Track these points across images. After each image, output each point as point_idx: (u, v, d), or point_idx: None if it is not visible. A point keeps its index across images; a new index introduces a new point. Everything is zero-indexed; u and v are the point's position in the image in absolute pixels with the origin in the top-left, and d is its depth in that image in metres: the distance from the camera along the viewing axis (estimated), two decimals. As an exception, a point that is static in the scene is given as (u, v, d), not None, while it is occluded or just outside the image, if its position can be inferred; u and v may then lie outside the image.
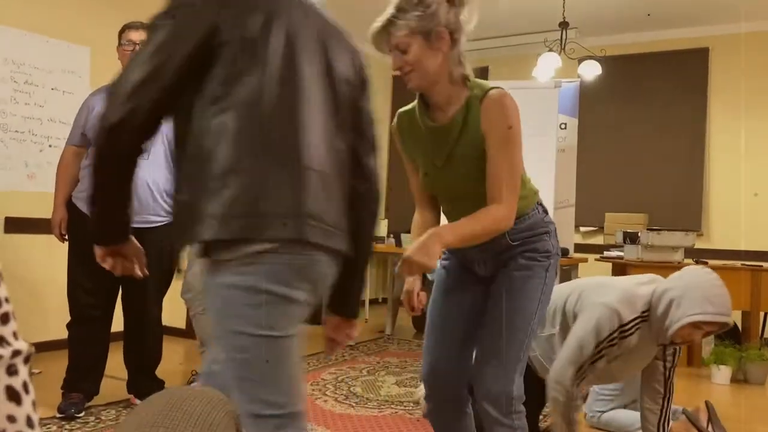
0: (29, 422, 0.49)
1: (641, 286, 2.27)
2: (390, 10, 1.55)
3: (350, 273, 1.39)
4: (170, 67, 1.19)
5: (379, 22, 1.56)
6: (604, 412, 3.04)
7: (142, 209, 2.85)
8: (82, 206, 2.88)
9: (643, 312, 2.19)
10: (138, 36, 2.99)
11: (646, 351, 2.28)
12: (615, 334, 2.16)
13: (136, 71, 1.21)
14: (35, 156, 4.09)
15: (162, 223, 2.99)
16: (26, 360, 0.51)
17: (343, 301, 1.47)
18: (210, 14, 1.21)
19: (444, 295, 1.84)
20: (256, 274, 1.15)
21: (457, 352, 1.79)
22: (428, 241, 1.47)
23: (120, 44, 3.05)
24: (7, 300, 0.51)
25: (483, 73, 7.08)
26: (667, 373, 2.33)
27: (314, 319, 1.36)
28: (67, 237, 2.98)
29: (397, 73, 1.62)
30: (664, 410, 2.35)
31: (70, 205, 2.95)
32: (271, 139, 1.20)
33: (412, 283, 1.75)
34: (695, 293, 2.14)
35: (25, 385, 0.50)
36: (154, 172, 2.91)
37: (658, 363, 2.33)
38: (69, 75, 4.25)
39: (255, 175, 1.18)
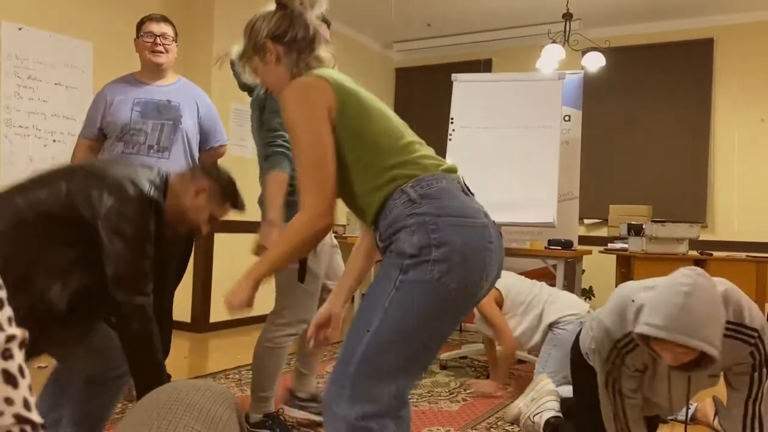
0: (26, 404, 0.50)
1: (641, 291, 1.90)
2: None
3: None
4: None
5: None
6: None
7: None
8: None
9: None
10: (158, 28, 2.99)
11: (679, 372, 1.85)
12: (613, 354, 1.90)
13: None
14: (40, 151, 4.09)
15: None
16: (21, 345, 0.51)
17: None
18: None
19: None
20: None
21: None
22: (240, 281, 1.50)
23: (138, 36, 3.03)
24: (1, 287, 0.52)
25: (487, 65, 7.06)
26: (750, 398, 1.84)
27: None
28: None
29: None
30: None
31: None
32: None
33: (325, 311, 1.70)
34: (658, 300, 1.73)
35: (20, 369, 0.51)
36: (172, 169, 2.93)
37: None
38: (72, 70, 4.26)
39: None
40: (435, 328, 1.42)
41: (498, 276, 1.51)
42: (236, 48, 1.64)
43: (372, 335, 1.39)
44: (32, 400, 0.51)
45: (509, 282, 3.56)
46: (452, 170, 1.54)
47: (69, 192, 1.76)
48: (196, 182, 2.02)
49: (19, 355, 0.51)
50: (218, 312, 5.10)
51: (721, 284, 1.86)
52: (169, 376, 3.22)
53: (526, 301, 3.48)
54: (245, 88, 2.51)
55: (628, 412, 1.98)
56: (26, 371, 0.51)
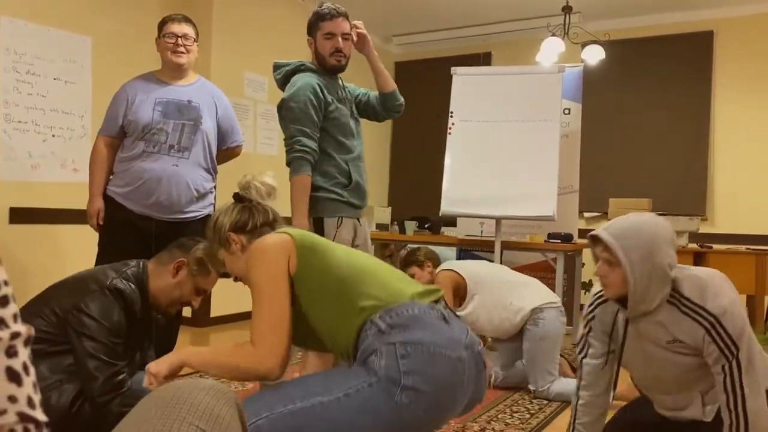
0: (30, 402, 0.50)
1: None
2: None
3: None
4: None
5: None
6: (551, 384, 3.23)
7: (182, 205, 2.94)
8: (120, 199, 2.90)
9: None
10: (180, 29, 3.01)
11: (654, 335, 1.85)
12: (590, 309, 1.99)
13: None
14: (39, 146, 4.09)
15: (197, 218, 3.04)
16: (26, 342, 0.52)
17: None
18: None
19: None
20: None
21: None
22: (169, 355, 1.53)
23: (160, 36, 3.04)
24: (6, 283, 0.52)
25: (486, 58, 7.05)
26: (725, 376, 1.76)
27: None
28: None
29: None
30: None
31: (104, 197, 2.95)
32: None
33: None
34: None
35: (25, 367, 0.51)
36: (192, 171, 2.97)
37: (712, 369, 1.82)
38: (71, 65, 4.25)
39: None
40: None
41: (473, 404, 1.52)
42: (200, 247, 1.75)
43: (321, 405, 1.36)
44: (36, 398, 0.51)
45: (471, 270, 3.50)
46: (431, 295, 1.53)
47: (44, 314, 1.87)
48: (173, 259, 2.07)
49: (23, 353, 0.51)
50: (219, 306, 5.11)
51: (705, 272, 1.83)
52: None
53: (493, 280, 3.44)
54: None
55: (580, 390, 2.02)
56: (31, 369, 0.52)
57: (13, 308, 0.52)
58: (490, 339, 3.72)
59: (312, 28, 2.86)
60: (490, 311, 3.39)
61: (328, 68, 2.83)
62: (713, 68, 6.14)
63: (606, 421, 2.09)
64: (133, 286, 1.99)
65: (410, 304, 1.46)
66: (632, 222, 1.79)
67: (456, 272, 3.46)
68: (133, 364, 2.05)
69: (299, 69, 2.87)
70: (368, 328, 1.44)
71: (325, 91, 2.77)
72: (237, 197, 1.70)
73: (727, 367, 1.74)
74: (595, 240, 1.83)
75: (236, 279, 1.68)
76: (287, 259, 1.52)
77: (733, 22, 6.06)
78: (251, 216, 1.66)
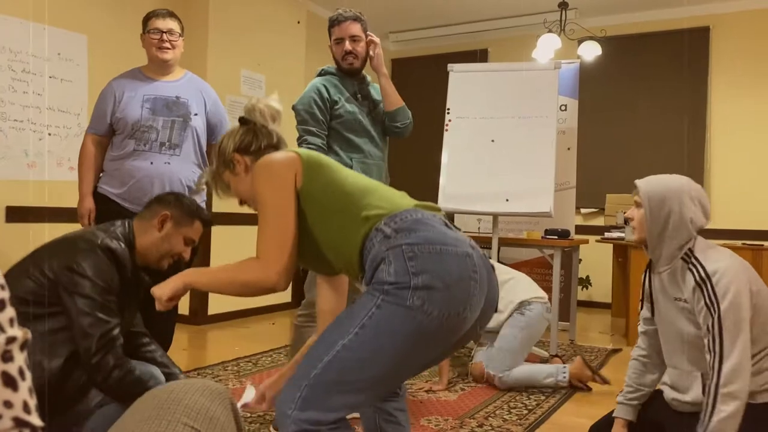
0: (26, 407, 0.50)
1: None
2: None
3: None
4: None
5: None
6: (510, 368, 3.31)
7: None
8: (115, 198, 2.89)
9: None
10: (164, 24, 2.97)
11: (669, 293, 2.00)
12: (646, 274, 2.17)
13: None
14: (35, 145, 4.08)
15: None
16: (22, 347, 0.51)
17: None
18: None
19: None
20: None
21: None
22: (173, 277, 1.55)
23: (145, 32, 3.01)
24: (3, 287, 0.52)
25: (483, 55, 7.05)
26: (708, 332, 1.85)
27: None
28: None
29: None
30: (709, 388, 1.85)
31: (95, 196, 2.93)
32: None
33: None
34: None
35: (21, 371, 0.50)
36: (184, 167, 2.95)
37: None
38: (67, 63, 4.24)
39: None
40: (410, 354, 1.39)
41: (491, 308, 1.50)
42: (209, 170, 1.75)
43: (342, 348, 1.37)
44: (32, 403, 0.50)
45: None
46: (432, 208, 1.56)
47: (34, 275, 1.85)
48: (155, 215, 2.08)
49: (19, 357, 0.51)
50: (217, 304, 5.11)
51: (726, 252, 1.98)
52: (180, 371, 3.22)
53: None
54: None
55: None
56: (27, 373, 0.51)
57: (9, 312, 0.51)
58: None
59: (328, 34, 2.94)
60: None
61: (344, 71, 2.88)
62: (709, 64, 6.15)
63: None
64: (123, 245, 1.99)
65: (413, 210, 1.49)
66: (663, 176, 2.10)
67: None
68: (122, 326, 2.05)
69: (319, 74, 2.95)
70: (374, 236, 1.45)
71: (332, 91, 2.83)
72: (242, 120, 1.71)
73: (710, 324, 1.85)
74: (634, 188, 2.13)
75: (241, 203, 1.68)
76: (293, 174, 1.53)
77: (729, 17, 6.07)
78: (255, 138, 1.67)
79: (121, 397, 1.82)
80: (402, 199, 1.55)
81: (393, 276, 1.36)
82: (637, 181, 2.09)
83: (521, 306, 3.38)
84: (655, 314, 2.11)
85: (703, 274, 1.90)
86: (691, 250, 1.98)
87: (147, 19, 3.02)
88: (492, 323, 3.47)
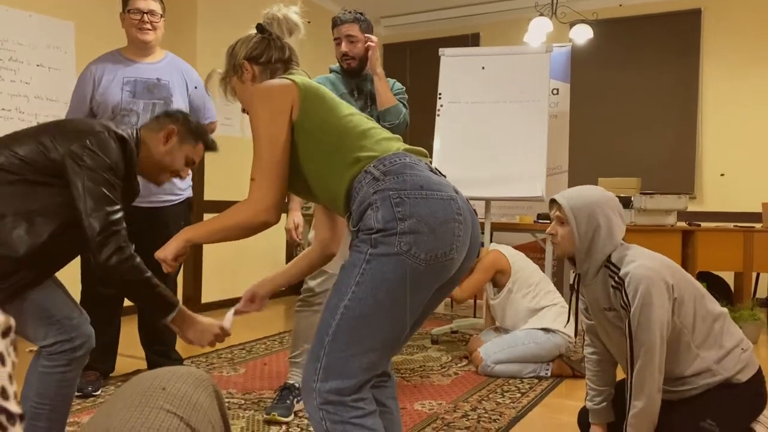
0: (3, 393, 0.49)
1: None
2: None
3: None
4: None
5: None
6: (499, 362, 3.32)
7: (159, 190, 2.87)
8: None
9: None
10: (145, 4, 2.92)
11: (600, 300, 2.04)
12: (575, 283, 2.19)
13: None
14: (23, 134, 4.05)
15: (176, 202, 3.02)
16: (4, 333, 0.51)
17: None
18: None
19: None
20: None
21: None
22: (172, 239, 1.60)
23: (125, 12, 2.96)
24: None
25: (474, 39, 7.02)
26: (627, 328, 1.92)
27: None
28: None
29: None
30: (629, 384, 1.94)
31: None
32: None
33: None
34: None
35: (1, 358, 0.50)
36: None
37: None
38: (54, 50, 4.20)
39: None
40: (407, 299, 1.43)
41: (475, 251, 1.54)
42: (219, 69, 1.77)
43: (345, 309, 1.41)
44: (11, 390, 0.50)
45: (521, 262, 3.60)
46: (420, 153, 1.60)
47: (41, 141, 1.83)
48: (162, 128, 2.07)
49: (1, 344, 0.50)
50: (210, 292, 5.11)
51: (643, 252, 2.01)
52: (181, 360, 3.20)
53: (532, 289, 3.51)
54: None
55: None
56: (7, 360, 0.50)
57: None
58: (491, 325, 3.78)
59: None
60: (515, 314, 3.50)
61: (344, 71, 2.91)
62: (701, 46, 6.14)
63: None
64: (132, 143, 1.99)
65: (402, 154, 1.53)
66: (581, 188, 2.09)
67: (505, 257, 3.50)
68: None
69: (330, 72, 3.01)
70: (362, 178, 1.48)
71: (326, 87, 2.81)
72: (259, 27, 1.72)
73: (626, 325, 1.91)
74: (551, 203, 2.10)
75: (244, 110, 1.71)
76: (290, 106, 1.55)
77: (720, -1, 6.06)
78: (267, 48, 1.69)
79: (117, 282, 1.81)
80: (393, 143, 1.58)
81: (381, 222, 1.40)
82: (557, 197, 2.08)
83: (545, 331, 3.38)
84: (596, 327, 2.14)
85: (617, 279, 1.95)
86: (609, 257, 2.01)
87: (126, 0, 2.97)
88: (508, 321, 3.52)
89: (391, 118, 2.91)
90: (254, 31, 1.74)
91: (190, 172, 2.17)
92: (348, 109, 1.62)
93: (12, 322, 0.52)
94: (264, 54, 1.69)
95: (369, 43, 2.87)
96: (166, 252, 1.59)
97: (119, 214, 1.85)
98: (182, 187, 3.07)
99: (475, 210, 1.56)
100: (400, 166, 1.48)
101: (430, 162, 1.60)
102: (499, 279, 3.53)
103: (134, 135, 2.03)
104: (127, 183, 1.97)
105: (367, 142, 1.54)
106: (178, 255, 1.59)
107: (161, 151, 2.05)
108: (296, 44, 1.75)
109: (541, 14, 5.56)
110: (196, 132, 2.13)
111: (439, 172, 1.57)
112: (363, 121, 1.61)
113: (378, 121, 2.94)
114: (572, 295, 2.19)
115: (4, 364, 0.50)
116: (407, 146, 1.59)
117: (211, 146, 2.18)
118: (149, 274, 1.84)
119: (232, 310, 1.85)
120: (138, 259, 1.84)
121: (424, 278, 1.42)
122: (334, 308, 1.43)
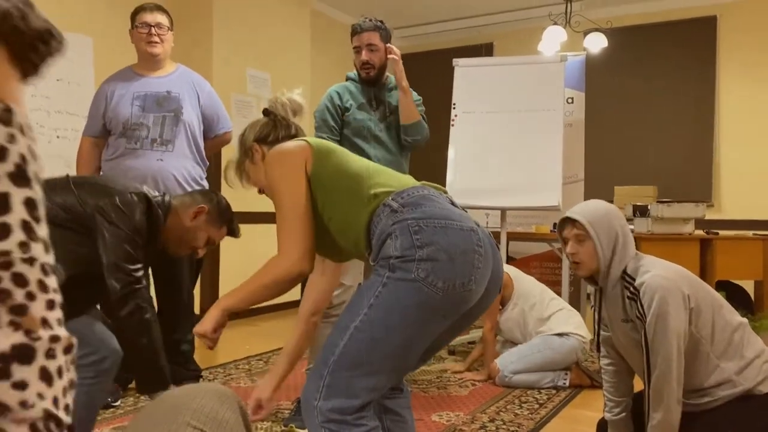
0: (56, 403, 0.51)
1: None
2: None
3: None
4: None
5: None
6: (516, 372, 3.30)
7: None
8: None
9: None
10: (152, 18, 2.94)
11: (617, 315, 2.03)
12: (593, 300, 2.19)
13: None
14: (44, 148, 4.11)
15: None
16: (65, 350, 0.53)
17: None
18: None
19: None
20: None
21: None
22: (210, 310, 1.60)
23: (133, 27, 2.99)
24: (56, 291, 0.53)
25: (488, 49, 7.03)
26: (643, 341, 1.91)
27: None
28: None
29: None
30: (646, 397, 1.93)
31: None
32: None
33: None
34: None
35: (59, 371, 0.52)
36: (178, 164, 2.94)
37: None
38: (73, 65, 4.26)
39: None
40: (420, 327, 1.41)
41: (496, 286, 1.53)
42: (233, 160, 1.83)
43: (355, 330, 1.40)
44: (62, 402, 0.52)
45: (520, 275, 3.60)
46: (439, 188, 1.62)
47: (76, 192, 1.91)
48: (195, 204, 2.14)
49: (61, 358, 0.53)
50: (226, 303, 5.13)
51: (658, 262, 1.99)
52: (199, 371, 3.21)
53: (537, 299, 3.49)
54: None
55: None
56: (65, 375, 0.53)
57: (58, 314, 0.53)
58: (499, 340, 3.75)
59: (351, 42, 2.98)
60: (525, 326, 3.49)
61: (363, 79, 2.92)
62: (717, 53, 6.10)
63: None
64: (161, 211, 2.06)
65: (420, 187, 1.55)
66: (590, 203, 2.07)
67: (507, 274, 3.51)
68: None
69: (346, 79, 3.02)
70: (381, 212, 1.49)
71: (345, 97, 2.88)
72: (265, 111, 1.80)
73: (642, 335, 1.89)
74: (563, 224, 2.05)
75: (260, 191, 1.76)
76: (304, 161, 1.59)
77: (736, 6, 6.02)
78: (274, 129, 1.75)
79: (128, 340, 1.87)
80: (409, 180, 1.60)
81: (399, 250, 1.40)
82: (573, 216, 2.02)
83: (559, 336, 3.37)
84: (614, 340, 2.11)
85: (633, 289, 1.93)
86: (624, 268, 1.98)
87: (135, 14, 3.00)
88: (518, 334, 3.50)
89: (413, 133, 2.91)
90: (261, 115, 1.81)
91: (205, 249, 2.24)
92: (359, 157, 1.67)
93: (74, 341, 0.54)
94: (271, 134, 1.75)
95: (392, 56, 2.87)
96: (204, 326, 1.58)
97: (140, 272, 1.91)
98: None
99: (497, 244, 1.55)
100: (418, 197, 1.49)
101: (450, 197, 1.61)
102: (503, 295, 3.52)
103: (164, 202, 2.10)
104: (150, 246, 2.03)
105: (382, 178, 1.57)
106: (217, 326, 1.59)
107: (187, 226, 2.12)
108: (301, 123, 1.84)
109: (555, 23, 5.56)
110: (223, 216, 2.20)
111: (458, 205, 1.58)
112: (376, 164, 1.66)
113: (399, 134, 2.95)
114: (595, 311, 2.16)
115: (61, 377, 0.52)
116: (425, 182, 1.61)
117: (233, 232, 2.26)
118: (160, 345, 1.93)
119: None
120: (157, 326, 1.92)
121: (440, 307, 1.40)
122: (344, 329, 1.42)
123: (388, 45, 2.89)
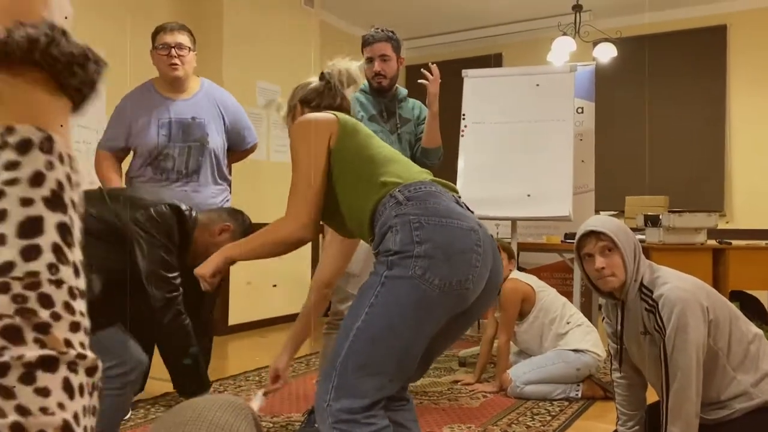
0: (76, 417, 0.51)
1: None
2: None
3: None
4: None
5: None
6: (529, 383, 3.27)
7: None
8: None
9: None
10: (173, 38, 2.87)
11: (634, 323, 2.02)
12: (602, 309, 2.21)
13: None
14: (56, 160, 4.14)
15: None
16: (89, 371, 0.53)
17: None
18: None
19: None
20: None
21: None
22: (213, 255, 1.66)
23: (154, 47, 2.93)
24: (83, 314, 0.54)
25: (497, 60, 7.04)
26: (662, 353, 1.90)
27: None
28: None
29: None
30: (663, 407, 1.92)
31: None
32: None
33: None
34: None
35: (81, 388, 0.52)
36: (204, 192, 2.93)
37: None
38: (85, 79, 4.29)
39: None
40: (419, 324, 1.44)
41: (494, 286, 1.55)
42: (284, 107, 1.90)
43: (357, 330, 1.44)
44: (83, 422, 0.52)
45: (544, 288, 3.56)
46: (448, 186, 1.64)
47: (109, 207, 1.99)
48: (221, 221, 2.22)
49: (83, 378, 0.53)
50: (237, 314, 5.13)
51: (670, 274, 1.98)
52: (210, 384, 3.20)
53: (558, 313, 3.46)
54: None
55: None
56: (86, 394, 0.53)
57: (82, 337, 0.54)
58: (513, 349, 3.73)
59: (362, 53, 2.98)
60: (543, 340, 3.46)
61: (375, 90, 2.92)
62: (727, 63, 6.08)
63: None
64: (191, 224, 2.15)
65: (428, 183, 1.56)
66: (603, 217, 2.08)
67: (526, 284, 3.48)
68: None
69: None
70: (387, 201, 1.52)
71: (356, 109, 2.88)
72: (321, 76, 1.84)
73: (661, 348, 1.88)
74: (584, 239, 2.01)
75: None
76: (329, 134, 1.63)
77: (746, 15, 6.00)
78: (320, 96, 1.80)
79: (167, 342, 1.96)
80: (420, 173, 1.63)
81: (398, 245, 1.44)
82: (596, 228, 1.97)
83: (576, 351, 3.34)
84: (630, 353, 2.09)
85: (651, 301, 1.92)
86: (641, 283, 1.98)
87: (155, 34, 2.94)
88: (534, 347, 3.48)
89: (432, 158, 2.96)
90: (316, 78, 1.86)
91: None
92: (382, 143, 1.69)
93: (99, 363, 0.54)
94: (315, 100, 1.80)
95: (428, 75, 2.89)
96: (205, 269, 1.64)
97: (178, 280, 1.99)
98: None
99: (497, 246, 1.58)
100: (424, 193, 1.51)
101: (458, 196, 1.62)
102: (523, 307, 3.48)
103: (191, 214, 2.17)
104: (181, 253, 2.11)
105: (395, 168, 1.60)
106: (217, 272, 1.64)
107: (211, 241, 2.17)
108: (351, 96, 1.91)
109: (564, 33, 5.56)
110: (246, 236, 2.28)
111: (466, 207, 1.59)
112: (395, 153, 1.68)
113: (410, 146, 2.96)
114: (606, 323, 2.15)
115: (82, 395, 0.53)
116: (435, 178, 1.63)
117: None
118: (197, 348, 2.03)
119: (261, 392, 1.87)
120: (190, 329, 2.03)
121: (437, 304, 1.43)
122: (348, 330, 1.46)
123: (432, 64, 2.92)
